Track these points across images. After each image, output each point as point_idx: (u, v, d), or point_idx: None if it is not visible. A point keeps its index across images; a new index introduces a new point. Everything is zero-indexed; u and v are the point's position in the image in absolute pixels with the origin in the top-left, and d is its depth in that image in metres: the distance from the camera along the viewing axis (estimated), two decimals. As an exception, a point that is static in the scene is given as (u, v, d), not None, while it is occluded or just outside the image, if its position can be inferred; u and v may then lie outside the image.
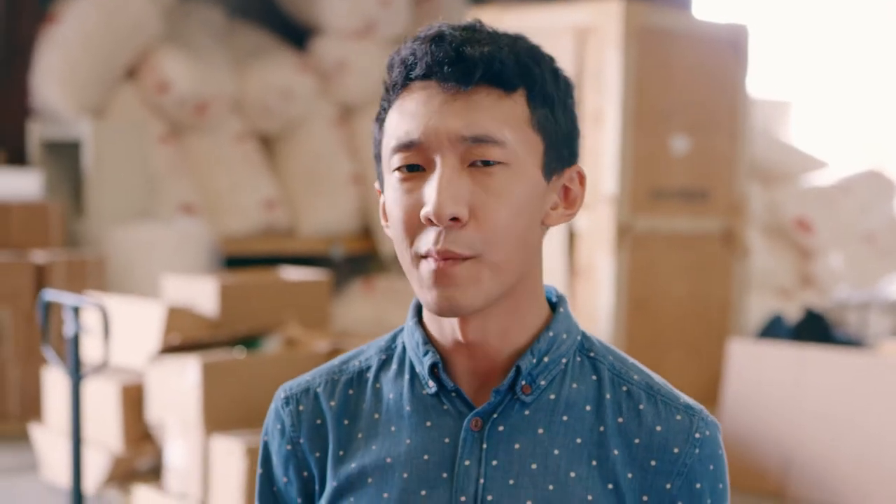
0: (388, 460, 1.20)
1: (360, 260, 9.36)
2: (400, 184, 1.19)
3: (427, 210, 1.15)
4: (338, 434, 1.23)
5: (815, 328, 7.21)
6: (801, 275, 9.60)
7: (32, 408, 6.71)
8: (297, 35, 9.51)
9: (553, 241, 6.62)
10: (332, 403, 1.24)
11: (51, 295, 3.22)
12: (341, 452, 1.22)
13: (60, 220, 7.27)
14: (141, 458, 5.39)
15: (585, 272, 6.58)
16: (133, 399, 5.37)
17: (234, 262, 8.51)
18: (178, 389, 5.17)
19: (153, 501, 5.23)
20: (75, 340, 3.07)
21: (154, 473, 5.43)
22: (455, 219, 1.15)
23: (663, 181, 6.71)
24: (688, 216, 6.82)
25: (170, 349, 5.32)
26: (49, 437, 5.64)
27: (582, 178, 1.28)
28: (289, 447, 1.26)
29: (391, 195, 1.20)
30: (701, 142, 6.88)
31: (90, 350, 4.65)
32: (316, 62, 9.24)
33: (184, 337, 5.39)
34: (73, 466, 3.35)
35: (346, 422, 1.23)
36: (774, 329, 7.31)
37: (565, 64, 6.59)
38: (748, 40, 7.09)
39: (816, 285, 9.46)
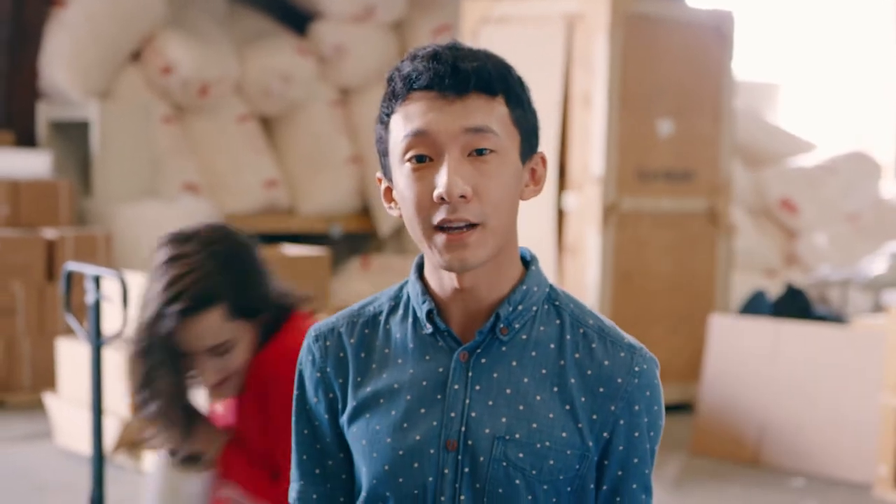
0: (396, 385, 1.52)
1: (358, 238, 9.62)
2: (412, 172, 1.48)
3: (440, 191, 1.45)
4: (356, 365, 1.55)
5: (795, 304, 7.49)
6: (786, 254, 9.86)
7: (44, 379, 6.99)
8: (297, 19, 9.72)
9: (543, 219, 6.89)
10: (352, 341, 1.56)
11: (73, 266, 3.49)
12: (359, 379, 1.55)
13: (69, 198, 7.51)
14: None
15: (574, 249, 6.86)
16: (142, 368, 5.64)
17: (236, 239, 8.74)
18: (184, 359, 5.45)
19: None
20: (97, 307, 3.34)
21: (162, 439, 5.72)
22: (462, 196, 1.46)
23: (649, 162, 6.98)
24: (673, 196, 7.10)
25: (177, 321, 5.60)
26: (63, 406, 5.91)
27: (544, 162, 1.59)
28: (318, 374, 1.57)
29: (404, 182, 1.49)
30: (686, 124, 7.14)
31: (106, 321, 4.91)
32: (315, 46, 9.46)
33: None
34: (94, 428, 3.62)
35: (362, 355, 1.56)
36: (756, 305, 7.59)
37: (555, 50, 6.87)
38: (733, 26, 7.35)
39: (801, 264, 9.72)
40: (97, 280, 3.38)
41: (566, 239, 6.88)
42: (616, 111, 6.76)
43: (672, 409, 7.07)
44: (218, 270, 2.30)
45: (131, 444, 5.62)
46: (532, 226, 6.92)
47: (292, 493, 1.59)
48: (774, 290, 8.49)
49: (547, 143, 6.86)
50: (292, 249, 6.60)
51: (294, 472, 1.59)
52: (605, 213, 6.74)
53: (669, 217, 7.10)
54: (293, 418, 1.59)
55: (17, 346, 7.01)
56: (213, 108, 8.98)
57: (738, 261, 9.32)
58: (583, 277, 6.81)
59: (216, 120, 9.02)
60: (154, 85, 8.71)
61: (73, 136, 8.40)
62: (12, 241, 7.02)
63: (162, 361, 2.28)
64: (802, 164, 10.11)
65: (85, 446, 5.68)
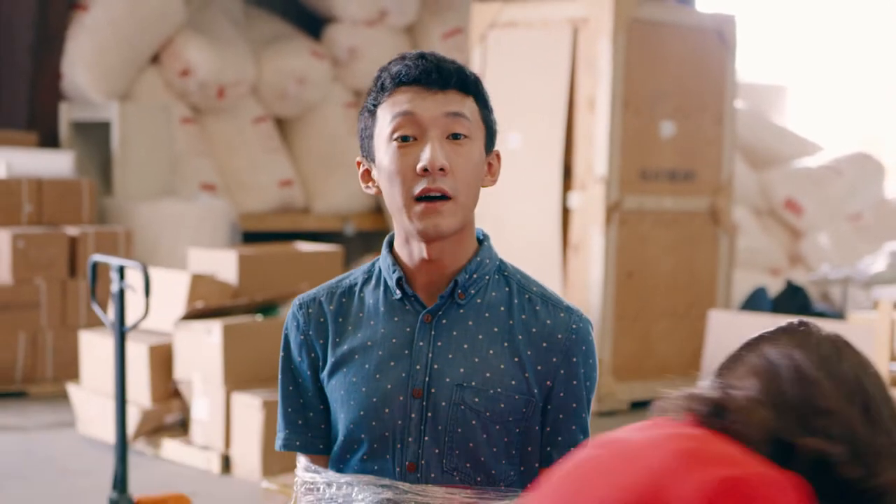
0: (369, 343, 1.78)
1: (370, 235, 9.84)
2: (398, 150, 1.74)
3: (423, 163, 1.71)
4: (335, 327, 1.82)
5: (794, 301, 7.70)
6: (790, 253, 10.05)
7: (66, 370, 7.24)
8: (312, 23, 9.95)
9: (548, 218, 7.11)
10: (331, 307, 1.83)
11: (98, 258, 3.72)
12: (337, 339, 1.81)
13: (91, 196, 7.74)
14: (168, 414, 5.90)
15: (578, 246, 7.07)
16: (160, 359, 5.88)
17: (252, 237, 8.97)
18: (202, 350, 5.69)
19: (180, 452, 5.75)
20: (121, 296, 3.57)
21: (180, 428, 5.95)
22: (442, 169, 1.71)
23: (652, 163, 7.18)
24: (675, 195, 7.30)
25: (194, 314, 5.83)
26: (85, 395, 6.15)
27: (499, 158, 1.87)
28: (302, 337, 1.83)
29: (389, 158, 1.74)
30: (688, 125, 7.35)
31: (129, 311, 5.14)
32: (330, 49, 9.68)
33: (207, 303, 5.90)
34: (118, 411, 3.85)
35: (340, 319, 1.82)
36: (757, 301, 7.80)
37: (561, 54, 7.08)
38: (735, 29, 7.55)
39: (805, 263, 9.91)
40: (122, 271, 3.62)
41: (571, 237, 7.09)
42: (619, 113, 6.97)
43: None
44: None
45: (150, 431, 5.86)
46: (538, 224, 7.14)
47: (278, 441, 1.85)
48: (777, 287, 8.68)
49: (553, 144, 7.08)
50: (306, 246, 6.83)
51: (280, 423, 1.85)
52: (609, 212, 6.95)
53: (672, 216, 7.30)
54: (279, 376, 1.83)
55: (40, 338, 7.25)
56: (230, 109, 9.21)
57: (744, 259, 9.51)
58: (587, 274, 7.02)
59: (233, 121, 9.25)
60: (173, 87, 8.94)
61: (94, 136, 8.62)
62: (36, 237, 7.26)
63: None
64: (807, 165, 10.29)
65: (106, 434, 5.93)
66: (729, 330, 6.45)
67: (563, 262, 7.10)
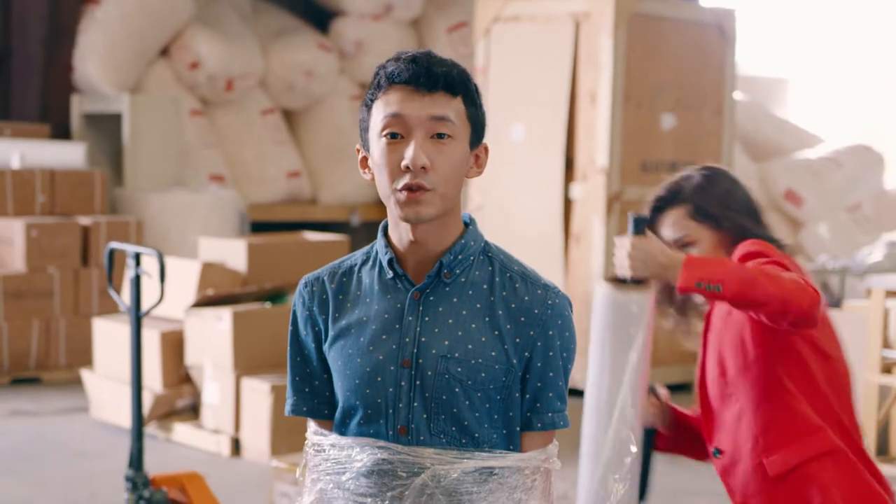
0: (364, 318, 1.95)
1: (375, 226, 9.95)
2: (387, 146, 1.90)
3: (406, 162, 1.88)
4: (335, 304, 1.99)
5: (792, 290, 7.82)
6: (790, 244, 10.18)
7: (78, 357, 7.41)
8: (319, 17, 10.09)
9: (551, 208, 7.25)
10: (333, 286, 2.00)
11: (115, 245, 3.87)
12: (337, 315, 1.99)
13: (103, 187, 7.89)
14: (179, 399, 6.06)
15: (579, 236, 7.22)
16: (172, 345, 6.04)
17: (260, 227, 9.10)
18: (212, 337, 5.84)
19: (191, 435, 5.91)
20: (137, 281, 3.73)
21: (191, 412, 6.11)
22: (423, 168, 1.87)
23: (652, 154, 7.33)
24: (675, 186, 7.44)
25: (205, 301, 5.99)
26: (98, 381, 6.30)
27: (486, 151, 2.02)
28: (307, 313, 2.01)
29: (379, 152, 1.91)
30: (688, 118, 7.49)
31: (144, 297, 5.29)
32: (336, 42, 9.81)
33: (217, 291, 6.06)
34: (133, 391, 4.00)
35: (340, 297, 1.99)
36: (755, 291, 7.93)
37: (563, 48, 7.23)
38: (734, 23, 7.68)
39: (805, 254, 10.05)
40: (138, 258, 3.77)
41: (572, 227, 7.24)
42: (620, 106, 7.11)
43: (674, 388, 7.43)
44: (699, 181, 2.75)
45: (162, 416, 6.02)
46: (540, 214, 7.29)
47: (287, 406, 2.02)
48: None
49: (555, 136, 7.22)
50: (313, 236, 6.98)
51: (288, 391, 2.03)
52: (610, 203, 7.10)
53: (671, 206, 7.43)
54: (288, 348, 2.00)
55: (53, 326, 7.42)
56: (239, 101, 9.35)
57: (744, 250, 9.65)
58: (588, 263, 7.16)
59: (241, 113, 9.39)
60: (182, 79, 9.08)
61: (105, 128, 8.77)
62: (49, 227, 7.42)
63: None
64: (807, 156, 10.42)
65: (119, 418, 6.09)
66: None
67: (564, 252, 7.25)
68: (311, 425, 2.01)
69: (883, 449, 5.88)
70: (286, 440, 5.51)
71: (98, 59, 8.65)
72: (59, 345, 7.44)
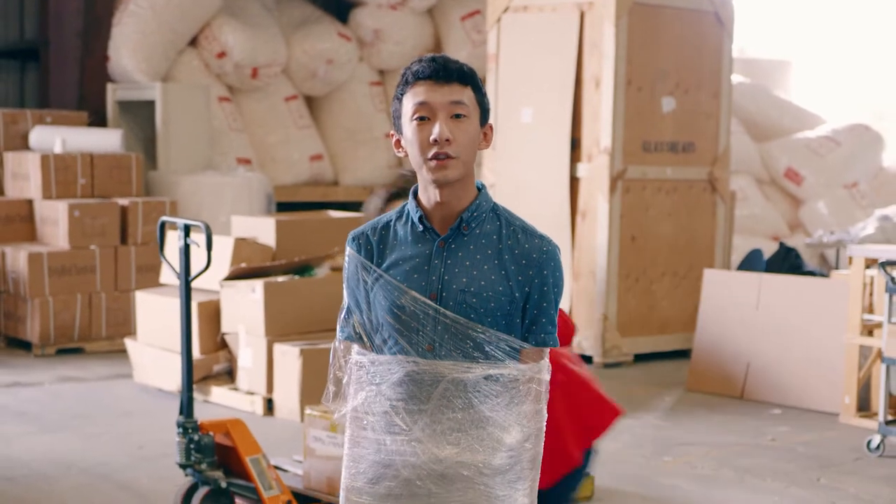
0: (400, 262, 2.47)
1: (393, 207, 10.39)
2: (417, 126, 2.43)
3: (434, 136, 2.42)
4: (377, 252, 2.51)
5: (786, 261, 8.31)
6: (790, 220, 10.61)
7: (117, 329, 7.93)
8: (339, 7, 10.51)
9: (558, 187, 7.72)
10: (374, 238, 2.53)
11: (167, 219, 4.37)
12: (379, 260, 2.50)
13: (139, 170, 8.38)
14: (216, 364, 6.57)
15: (585, 212, 7.69)
16: (209, 314, 6.54)
17: (285, 208, 9.54)
18: (246, 306, 6.34)
19: (227, 397, 6.42)
20: (186, 250, 4.22)
21: (227, 376, 6.61)
22: (447, 140, 2.40)
23: (653, 135, 7.78)
24: (675, 165, 7.90)
25: (238, 274, 6.48)
26: (140, 348, 6.82)
27: (492, 129, 2.56)
28: (356, 261, 2.53)
29: (412, 132, 2.43)
30: (687, 101, 7.94)
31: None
32: (356, 31, 10.23)
33: (249, 264, 6.55)
34: (183, 346, 4.49)
35: (381, 246, 2.52)
36: (752, 262, 8.40)
37: (569, 36, 7.69)
38: (732, 10, 8.11)
39: (804, 229, 10.48)
40: (187, 229, 4.27)
41: (578, 204, 7.71)
42: (623, 90, 7.57)
43: (674, 354, 7.91)
44: None
45: (200, 380, 6.52)
46: (548, 192, 7.76)
47: (342, 335, 2.52)
48: (770, 248, 9.26)
49: (562, 119, 7.69)
50: (336, 214, 7.45)
51: (342, 323, 2.54)
52: (613, 181, 7.56)
53: (672, 184, 7.90)
54: (345, 289, 2.50)
55: (95, 299, 7.94)
56: (264, 88, 9.78)
57: (746, 226, 10.08)
58: (593, 238, 7.63)
59: (266, 99, 9.83)
60: (210, 68, 9.53)
61: (139, 114, 9.22)
62: (90, 207, 7.93)
63: None
64: (807, 136, 10.78)
65: (160, 381, 6.61)
66: (721, 287, 7.07)
67: (571, 227, 7.71)
68: (355, 347, 2.53)
69: (864, 405, 6.34)
70: (314, 398, 5.99)
71: (131, 49, 9.09)
72: (101, 317, 7.95)
